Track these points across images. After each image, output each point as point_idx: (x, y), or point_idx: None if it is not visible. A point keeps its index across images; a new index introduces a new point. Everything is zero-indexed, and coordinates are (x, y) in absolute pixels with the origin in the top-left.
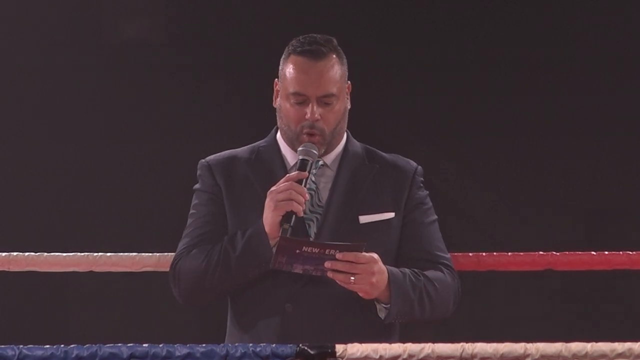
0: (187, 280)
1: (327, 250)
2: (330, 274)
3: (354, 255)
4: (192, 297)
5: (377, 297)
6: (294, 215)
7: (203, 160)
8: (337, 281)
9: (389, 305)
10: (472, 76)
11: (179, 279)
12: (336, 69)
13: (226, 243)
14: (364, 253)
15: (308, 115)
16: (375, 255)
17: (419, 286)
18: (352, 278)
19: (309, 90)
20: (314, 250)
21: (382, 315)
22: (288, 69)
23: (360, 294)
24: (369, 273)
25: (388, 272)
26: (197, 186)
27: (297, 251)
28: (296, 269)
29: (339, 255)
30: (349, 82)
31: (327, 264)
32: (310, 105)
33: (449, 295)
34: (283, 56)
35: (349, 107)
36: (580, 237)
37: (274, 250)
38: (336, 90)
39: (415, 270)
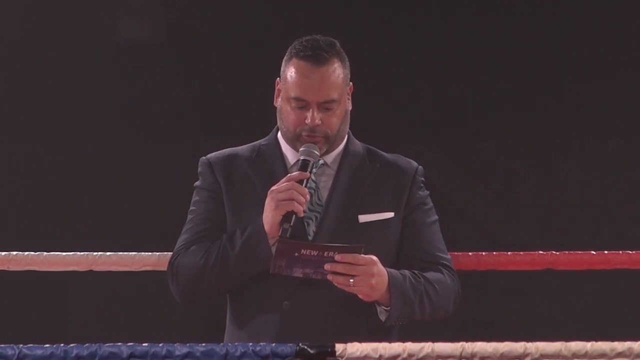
0: (185, 277)
1: (325, 253)
2: (330, 277)
3: (352, 256)
4: (189, 294)
5: (378, 299)
6: (294, 215)
7: (204, 158)
8: (337, 284)
9: (389, 308)
10: (472, 76)
11: (177, 275)
12: (338, 74)
13: (225, 241)
14: (363, 255)
15: (308, 120)
16: (374, 257)
17: (419, 288)
18: (352, 280)
19: (310, 96)
20: (312, 253)
21: (382, 317)
22: (290, 72)
23: (360, 297)
24: (369, 275)
25: (388, 275)
26: (197, 183)
27: (296, 254)
28: (296, 273)
29: (337, 257)
30: (350, 83)
31: (327, 266)
32: (310, 110)
33: (449, 296)
34: (285, 57)
35: (350, 108)
36: (581, 237)
37: (273, 250)
38: (337, 95)
39: (415, 271)
